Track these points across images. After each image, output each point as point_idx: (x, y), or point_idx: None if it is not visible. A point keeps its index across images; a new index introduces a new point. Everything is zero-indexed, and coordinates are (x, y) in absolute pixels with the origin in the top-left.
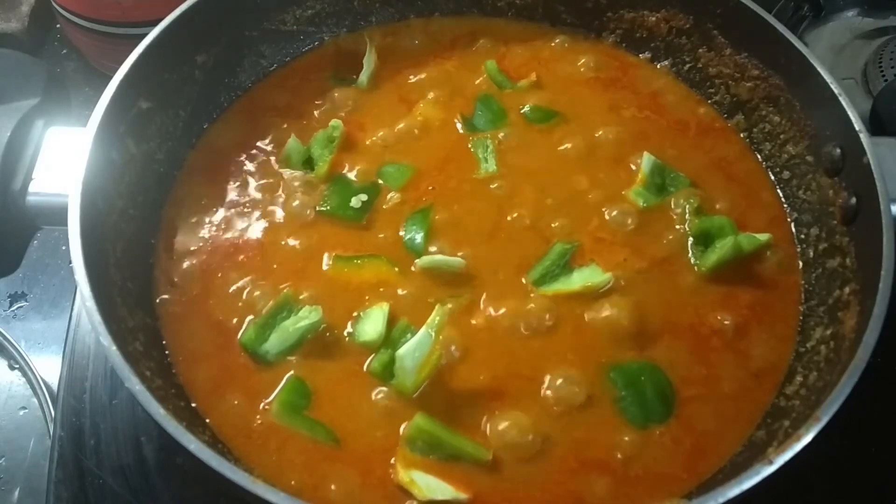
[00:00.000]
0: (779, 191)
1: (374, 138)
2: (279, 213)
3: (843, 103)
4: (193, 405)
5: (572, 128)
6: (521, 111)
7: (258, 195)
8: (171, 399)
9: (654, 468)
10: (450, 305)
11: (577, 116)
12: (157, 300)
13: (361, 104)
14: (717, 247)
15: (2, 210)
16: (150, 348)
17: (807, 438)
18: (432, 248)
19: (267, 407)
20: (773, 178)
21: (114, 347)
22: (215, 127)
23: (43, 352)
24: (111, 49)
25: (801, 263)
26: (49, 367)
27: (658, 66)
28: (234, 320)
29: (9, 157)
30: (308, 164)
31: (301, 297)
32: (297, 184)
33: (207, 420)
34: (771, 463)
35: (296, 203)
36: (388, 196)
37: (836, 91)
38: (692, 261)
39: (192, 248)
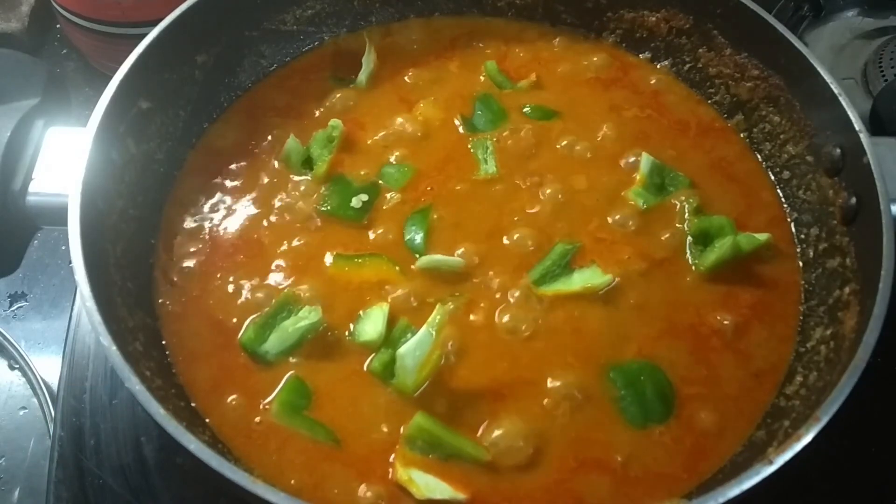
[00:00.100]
0: (779, 191)
1: (374, 138)
2: (279, 213)
3: (843, 103)
4: (193, 405)
5: (572, 128)
6: (522, 111)
7: (258, 195)
8: (171, 399)
9: (654, 468)
10: (450, 305)
11: (577, 117)
12: (157, 300)
13: (361, 104)
14: (716, 246)
15: (2, 210)
16: (150, 348)
17: (807, 438)
18: (432, 248)
19: (267, 407)
20: (773, 178)
21: (114, 347)
22: (215, 127)
23: (43, 352)
24: (111, 49)
25: (801, 263)
26: (49, 367)
27: (658, 66)
28: (234, 320)
29: (9, 157)
30: (308, 164)
31: (301, 297)
32: (296, 184)
33: (207, 420)
34: (771, 463)
35: (296, 203)
36: (388, 196)
37: (836, 91)
38: (691, 260)
39: (192, 249)
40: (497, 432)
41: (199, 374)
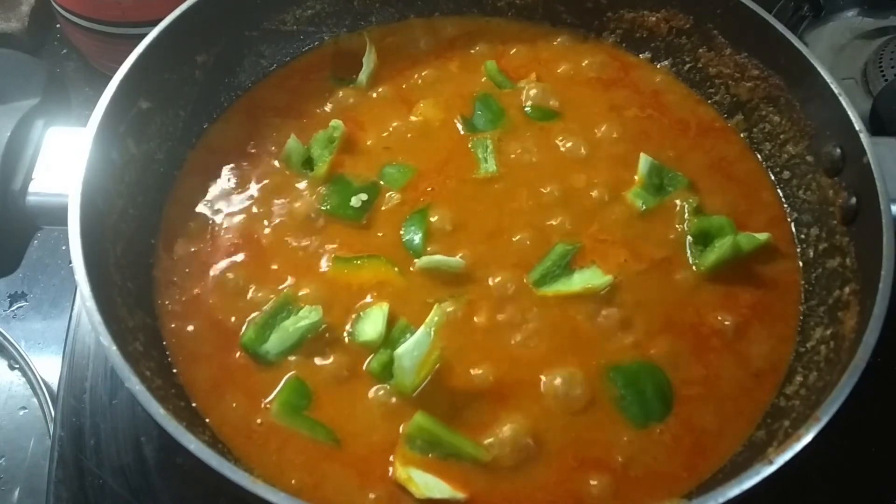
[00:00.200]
0: (779, 191)
1: (374, 138)
2: (279, 213)
3: (843, 103)
4: (193, 405)
5: (572, 128)
6: (522, 111)
7: (258, 195)
8: (171, 399)
9: (654, 468)
10: (448, 305)
11: (577, 116)
12: (157, 300)
13: (361, 104)
14: (716, 246)
15: (2, 210)
16: (150, 348)
17: (807, 438)
18: (432, 249)
19: (267, 407)
20: (773, 178)
21: (114, 347)
22: (215, 127)
23: (43, 352)
24: (111, 49)
25: (801, 263)
26: (49, 367)
27: (658, 66)
28: (234, 320)
29: (9, 157)
30: (308, 164)
31: (301, 297)
32: (297, 184)
33: (207, 420)
34: (771, 463)
35: (296, 203)
36: (388, 196)
37: (836, 91)
38: (691, 260)
39: (192, 249)
40: (497, 432)
41: (199, 374)
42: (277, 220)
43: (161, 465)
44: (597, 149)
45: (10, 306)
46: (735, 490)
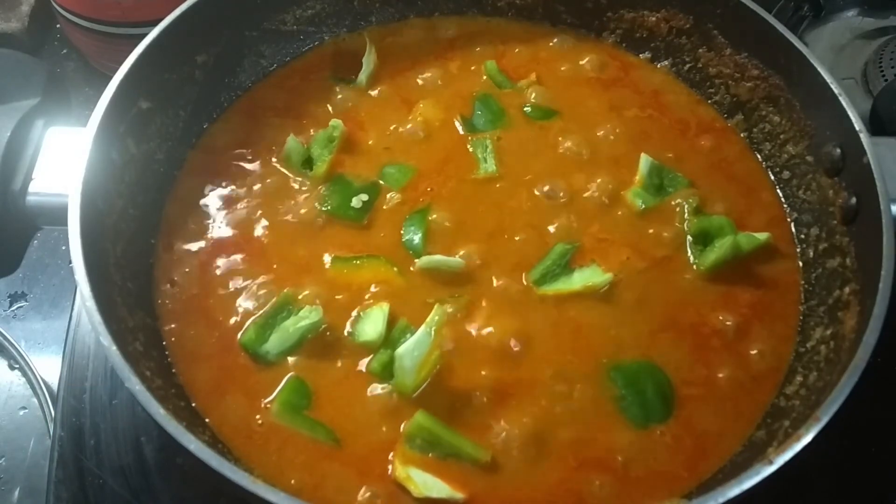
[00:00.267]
0: (779, 191)
1: (374, 138)
2: (279, 213)
3: (843, 103)
4: (193, 405)
5: (572, 128)
6: (521, 111)
7: (258, 195)
8: (171, 399)
9: (655, 467)
10: (449, 305)
11: (576, 116)
12: (157, 300)
13: (361, 104)
14: (716, 246)
15: (2, 210)
16: (150, 348)
17: (807, 438)
18: (432, 249)
19: (267, 407)
20: (773, 178)
21: (114, 347)
22: (215, 127)
23: (43, 352)
24: (111, 49)
25: (801, 263)
26: (49, 367)
27: (658, 66)
28: (234, 320)
29: (9, 157)
30: (308, 164)
31: (301, 297)
32: (297, 184)
33: (207, 420)
34: (771, 463)
35: (296, 203)
36: (389, 196)
37: (836, 91)
38: (691, 260)
39: (192, 249)
40: (497, 432)
41: (200, 374)
42: (277, 220)
43: (161, 465)
44: (596, 149)
45: (10, 306)
46: (735, 490)
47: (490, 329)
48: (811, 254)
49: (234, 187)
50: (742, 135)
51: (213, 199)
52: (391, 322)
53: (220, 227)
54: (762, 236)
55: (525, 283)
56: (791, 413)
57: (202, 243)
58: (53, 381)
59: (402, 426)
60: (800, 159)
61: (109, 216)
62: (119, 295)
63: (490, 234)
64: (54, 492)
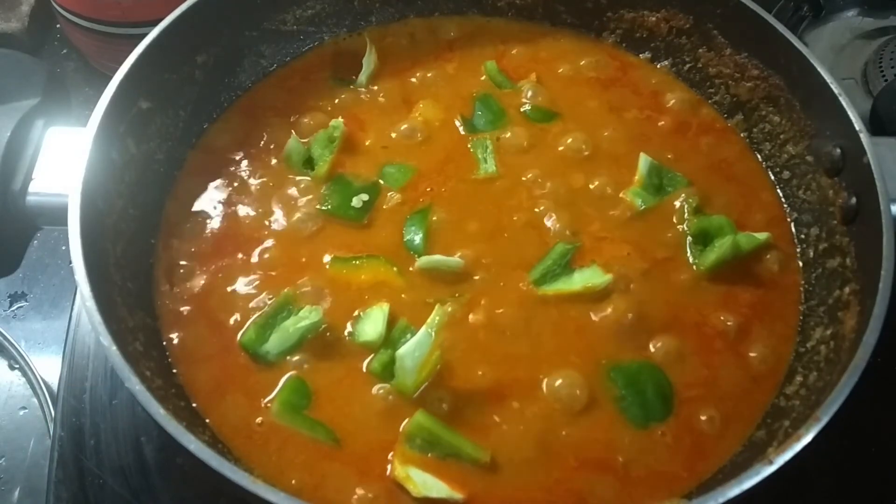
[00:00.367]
0: (779, 191)
1: (374, 138)
2: (279, 213)
3: (843, 103)
4: (193, 405)
5: (572, 128)
6: (521, 111)
7: (258, 195)
8: (171, 399)
9: (655, 467)
10: (449, 306)
11: (576, 116)
12: (157, 300)
13: (361, 104)
14: (716, 246)
15: (2, 210)
16: (150, 348)
17: (807, 438)
18: (433, 248)
19: (267, 407)
20: (773, 178)
21: (114, 347)
22: (215, 127)
23: (43, 352)
24: (111, 49)
25: (801, 263)
26: (49, 367)
27: (658, 66)
28: (234, 320)
29: (9, 157)
30: (308, 164)
31: (301, 297)
32: (297, 184)
33: (207, 420)
34: (771, 463)
35: (296, 203)
36: (389, 196)
37: (836, 91)
38: (691, 260)
39: (192, 249)
40: (497, 432)
41: (200, 375)
42: (277, 220)
43: (161, 465)
44: (596, 149)
45: (10, 306)
46: (735, 490)
47: (490, 329)
48: (811, 254)
49: (234, 187)
50: (742, 135)
51: (213, 199)
52: (391, 322)
53: (220, 227)
54: (762, 236)
55: (525, 283)
56: (791, 413)
57: (202, 243)
58: (53, 381)
59: (402, 426)
60: (800, 159)
61: (109, 216)
62: (119, 295)
63: (490, 234)
64: (54, 492)
